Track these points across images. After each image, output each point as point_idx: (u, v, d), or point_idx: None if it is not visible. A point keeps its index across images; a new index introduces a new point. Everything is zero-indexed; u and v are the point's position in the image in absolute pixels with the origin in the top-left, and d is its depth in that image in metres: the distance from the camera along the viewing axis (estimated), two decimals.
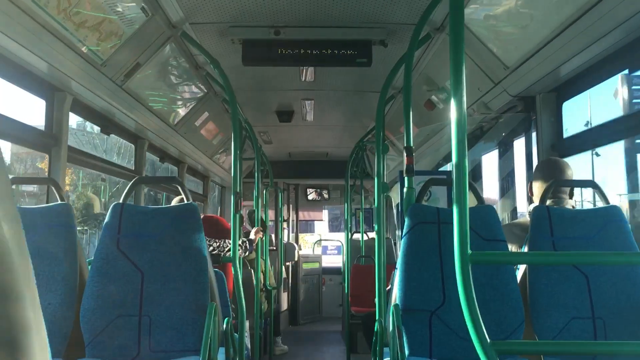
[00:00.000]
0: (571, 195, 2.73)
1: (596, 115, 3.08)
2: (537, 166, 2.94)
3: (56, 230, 2.58)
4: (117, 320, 2.43)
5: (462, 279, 1.32)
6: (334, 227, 11.86)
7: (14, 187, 3.58)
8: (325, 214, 11.60)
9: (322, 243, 13.33)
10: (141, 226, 2.59)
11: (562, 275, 2.35)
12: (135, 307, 2.45)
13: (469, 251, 1.33)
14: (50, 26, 2.46)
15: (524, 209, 3.56)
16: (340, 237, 10.47)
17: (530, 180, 2.91)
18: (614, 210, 2.46)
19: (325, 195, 10.22)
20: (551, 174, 2.71)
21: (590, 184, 2.60)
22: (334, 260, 12.09)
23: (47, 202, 2.98)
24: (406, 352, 2.24)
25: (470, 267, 1.33)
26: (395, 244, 7.04)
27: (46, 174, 3.05)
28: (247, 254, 4.66)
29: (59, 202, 2.71)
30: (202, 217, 4.73)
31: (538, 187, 2.79)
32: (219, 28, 3.46)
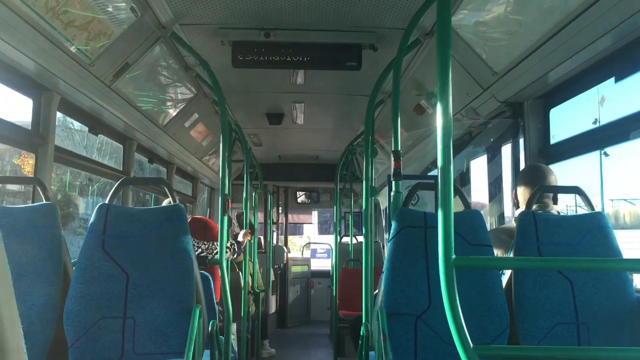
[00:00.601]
0: (555, 201, 2.75)
1: (583, 122, 3.10)
2: (520, 173, 2.96)
3: (41, 230, 2.56)
4: (101, 321, 2.41)
5: (446, 283, 1.33)
6: (323, 230, 11.84)
7: None
8: (314, 215, 11.59)
9: (311, 246, 13.28)
10: (127, 227, 2.57)
11: (547, 280, 2.36)
12: (120, 309, 2.44)
13: (453, 255, 1.34)
14: (38, 25, 2.44)
15: (510, 214, 3.58)
16: (330, 239, 10.47)
17: (515, 186, 2.93)
18: (599, 217, 2.48)
19: (315, 199, 10.22)
20: (535, 180, 2.74)
21: (575, 189, 2.61)
22: (323, 264, 12.06)
23: (33, 202, 2.95)
24: (390, 356, 2.24)
25: (455, 272, 1.33)
26: (383, 247, 7.04)
27: (23, 171, 3.03)
28: (235, 256, 4.65)
29: (44, 202, 2.69)
30: (190, 218, 4.72)
31: (522, 193, 2.81)
32: (209, 29, 3.45)
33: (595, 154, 3.05)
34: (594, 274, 2.38)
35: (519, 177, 2.92)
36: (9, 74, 2.70)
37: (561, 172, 2.97)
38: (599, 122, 3.00)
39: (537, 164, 3.01)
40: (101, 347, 2.39)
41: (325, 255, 13.87)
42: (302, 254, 10.89)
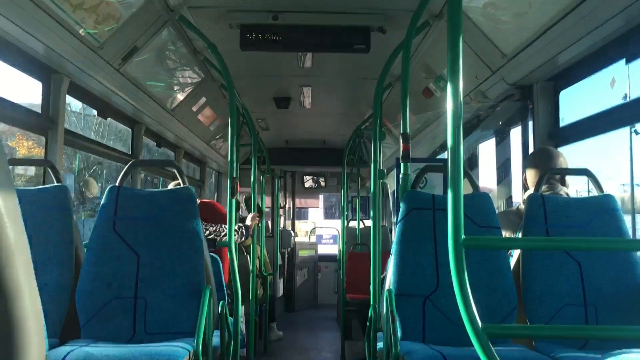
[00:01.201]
0: (563, 183, 2.75)
1: (593, 104, 3.07)
2: (529, 156, 2.96)
3: (52, 212, 2.59)
4: (112, 302, 2.45)
5: (455, 264, 1.33)
6: (329, 214, 11.81)
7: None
8: (321, 199, 11.58)
9: (317, 231, 13.25)
10: (137, 209, 2.59)
11: (555, 262, 2.37)
12: (131, 289, 2.47)
13: (463, 236, 1.34)
14: (47, 7, 2.45)
15: (519, 198, 3.58)
16: (336, 224, 10.46)
17: (525, 169, 2.93)
18: (608, 199, 2.48)
19: (322, 183, 10.22)
20: (543, 163, 2.74)
21: (585, 172, 2.61)
22: (330, 249, 12.07)
23: (44, 184, 2.98)
24: (399, 336, 2.26)
25: (464, 252, 1.34)
26: (391, 231, 7.06)
27: (19, 154, 3.06)
28: (243, 239, 4.68)
29: (55, 184, 2.71)
30: (198, 202, 4.74)
31: (531, 176, 2.81)
32: (217, 12, 3.44)
33: (622, 133, 3.02)
34: (602, 256, 2.39)
35: (527, 160, 2.92)
36: (19, 56, 2.71)
37: (571, 155, 2.97)
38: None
39: (545, 147, 3.00)
40: (113, 327, 2.42)
41: (332, 240, 13.79)
42: (309, 240, 10.92)
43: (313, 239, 10.95)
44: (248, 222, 4.81)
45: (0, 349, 0.60)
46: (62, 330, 2.44)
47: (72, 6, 2.60)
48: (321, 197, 11.53)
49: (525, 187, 2.94)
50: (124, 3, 2.94)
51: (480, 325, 1.31)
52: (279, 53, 3.94)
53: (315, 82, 5.12)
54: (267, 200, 8.38)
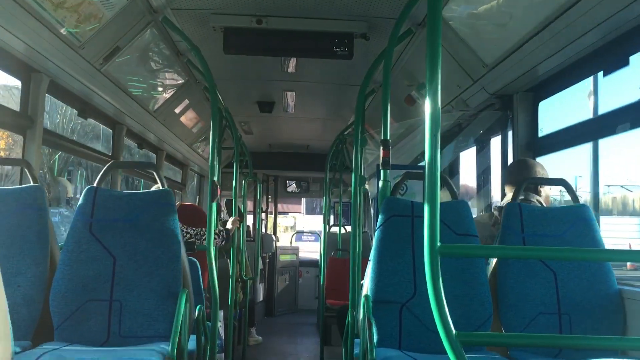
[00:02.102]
0: (536, 192, 2.79)
1: (571, 115, 3.12)
2: (508, 167, 3.00)
3: (28, 212, 2.56)
4: (87, 304, 2.42)
5: (431, 271, 1.34)
6: (309, 209, 11.69)
7: None
8: (303, 203, 11.54)
9: (297, 227, 13.07)
10: (115, 210, 2.57)
11: (530, 270, 2.40)
12: (106, 292, 2.44)
13: (438, 243, 1.35)
14: (28, 6, 2.42)
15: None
16: (317, 220, 10.38)
17: (503, 181, 2.97)
18: (584, 209, 2.51)
19: (305, 188, 10.22)
20: (521, 173, 2.78)
21: (561, 182, 2.64)
22: (310, 248, 11.97)
23: (20, 184, 2.94)
24: (375, 343, 2.26)
25: (440, 260, 1.34)
26: (371, 237, 7.07)
27: None
28: (223, 243, 4.65)
29: (32, 184, 2.68)
30: (179, 205, 4.71)
31: (508, 187, 2.85)
32: (201, 15, 3.43)
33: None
34: (577, 265, 2.42)
35: (506, 170, 2.96)
36: None
37: (549, 164, 3.01)
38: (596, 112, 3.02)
39: (524, 158, 3.04)
40: (87, 329, 2.39)
41: (313, 238, 13.58)
42: (291, 243, 10.88)
43: (294, 241, 10.90)
44: (229, 225, 4.79)
45: None
46: (34, 332, 2.40)
47: (54, 5, 2.57)
48: (303, 201, 11.51)
49: (503, 196, 2.97)
50: (106, 3, 2.92)
51: (454, 333, 1.31)
52: (263, 57, 3.93)
53: (298, 87, 5.13)
54: (249, 205, 8.35)
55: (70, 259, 2.46)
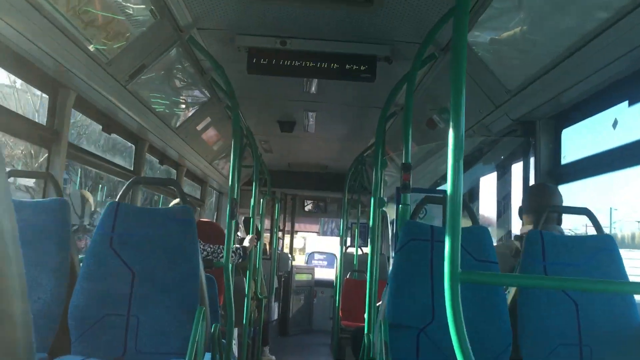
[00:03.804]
0: (559, 222, 2.75)
1: (595, 144, 3.09)
2: (526, 193, 2.95)
3: (51, 225, 2.59)
4: (105, 318, 2.43)
5: (451, 298, 1.33)
6: (325, 230, 11.49)
7: (11, 180, 3.58)
8: (320, 223, 11.44)
9: (307, 249, 12.72)
10: (135, 226, 2.59)
11: (551, 300, 2.36)
12: (124, 307, 2.45)
13: (459, 270, 1.34)
14: (58, 23, 2.48)
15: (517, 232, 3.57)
16: (328, 241, 10.31)
17: (523, 206, 2.91)
18: (607, 239, 2.47)
19: (323, 208, 10.22)
20: (544, 198, 2.74)
21: (584, 211, 2.61)
22: (324, 273, 11.79)
23: (44, 197, 2.98)
24: None
25: (460, 287, 1.33)
26: (389, 259, 7.03)
27: None
28: (240, 260, 4.65)
29: (56, 197, 2.72)
30: (197, 221, 4.73)
31: (527, 212, 2.81)
32: (226, 35, 3.48)
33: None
34: (599, 296, 2.37)
35: (526, 195, 2.92)
36: (28, 69, 2.74)
37: (567, 193, 2.97)
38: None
39: (542, 183, 3.00)
40: (104, 343, 2.40)
41: (325, 263, 12.93)
42: (306, 262, 10.82)
43: (302, 259, 10.73)
44: (246, 243, 4.79)
45: None
46: (52, 345, 2.42)
47: (84, 23, 2.64)
48: (321, 221, 11.48)
49: (521, 218, 2.93)
50: (134, 21, 2.98)
51: None
52: (285, 77, 3.97)
53: (320, 107, 5.15)
54: (267, 223, 8.36)
55: (89, 272, 2.48)
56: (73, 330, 2.41)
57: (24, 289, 0.67)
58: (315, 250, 12.97)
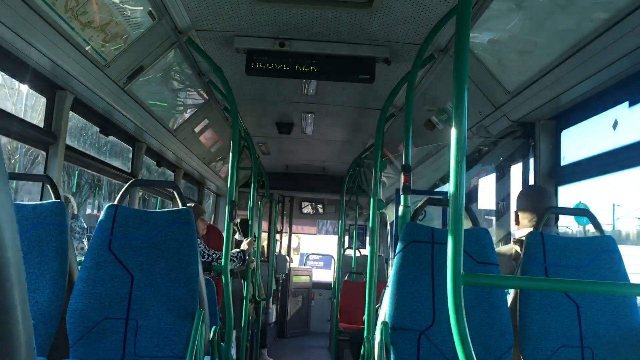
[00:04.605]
0: (556, 223, 2.75)
1: (595, 145, 3.09)
2: (523, 193, 2.91)
3: (49, 228, 2.57)
4: (103, 322, 2.41)
5: (454, 300, 1.32)
6: (322, 230, 11.45)
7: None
8: (318, 224, 11.42)
9: (301, 249, 12.67)
10: (134, 229, 2.57)
11: (553, 302, 2.35)
12: (123, 310, 2.43)
13: (462, 272, 1.33)
14: (56, 24, 2.46)
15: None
16: (325, 240, 10.27)
17: (519, 206, 2.88)
18: (608, 240, 2.47)
19: (320, 210, 10.21)
20: (541, 201, 2.72)
21: (584, 212, 2.60)
22: (321, 274, 11.67)
23: (41, 200, 2.96)
24: None
25: (462, 289, 1.32)
26: (387, 261, 7.03)
27: None
28: (240, 264, 4.64)
29: (54, 200, 2.70)
30: (206, 226, 4.72)
31: (525, 214, 2.78)
32: (224, 36, 3.47)
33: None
34: (601, 298, 2.37)
35: (522, 197, 2.87)
36: (25, 71, 2.72)
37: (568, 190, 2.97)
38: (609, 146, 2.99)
39: (537, 185, 2.99)
40: (103, 347, 2.38)
41: (322, 264, 12.84)
42: (304, 263, 10.80)
43: (296, 259, 10.70)
44: (244, 246, 4.78)
45: None
46: (50, 349, 2.40)
47: (82, 24, 2.62)
48: (319, 223, 11.47)
49: (517, 224, 2.90)
50: (132, 23, 2.97)
51: None
52: (284, 79, 3.96)
53: (318, 109, 5.15)
54: (264, 225, 8.35)
55: (88, 276, 2.46)
56: (71, 334, 2.39)
57: (24, 292, 0.65)
58: (310, 249, 12.87)
